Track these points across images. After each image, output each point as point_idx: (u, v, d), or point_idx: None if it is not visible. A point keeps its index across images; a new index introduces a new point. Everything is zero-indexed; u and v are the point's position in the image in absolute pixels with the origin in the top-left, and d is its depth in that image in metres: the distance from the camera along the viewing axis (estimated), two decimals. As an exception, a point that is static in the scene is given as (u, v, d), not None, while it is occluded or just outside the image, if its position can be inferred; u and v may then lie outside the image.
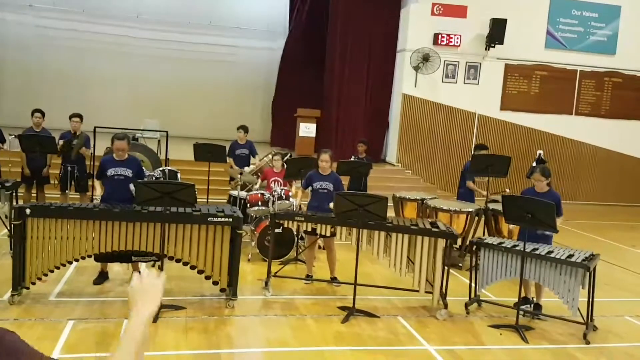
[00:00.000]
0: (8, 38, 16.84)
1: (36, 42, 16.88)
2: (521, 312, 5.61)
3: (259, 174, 8.74)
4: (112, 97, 17.03)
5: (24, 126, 9.06)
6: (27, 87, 16.61)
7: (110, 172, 5.96)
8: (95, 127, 8.83)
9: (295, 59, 16.72)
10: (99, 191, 6.18)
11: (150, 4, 17.37)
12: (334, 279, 6.53)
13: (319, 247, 8.18)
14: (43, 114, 8.46)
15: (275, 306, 5.80)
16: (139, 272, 1.61)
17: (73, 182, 8.36)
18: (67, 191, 8.35)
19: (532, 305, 6.07)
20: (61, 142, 8.23)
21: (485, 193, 8.17)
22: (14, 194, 7.03)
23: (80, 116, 8.52)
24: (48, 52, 16.89)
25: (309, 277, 6.64)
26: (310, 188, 6.58)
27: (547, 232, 5.75)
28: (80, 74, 17.01)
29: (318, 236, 6.28)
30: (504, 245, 5.72)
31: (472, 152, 8.51)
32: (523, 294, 6.04)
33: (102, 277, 6.15)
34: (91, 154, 8.59)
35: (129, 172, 6.00)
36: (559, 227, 5.70)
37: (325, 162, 6.50)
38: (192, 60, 17.80)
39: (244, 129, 9.45)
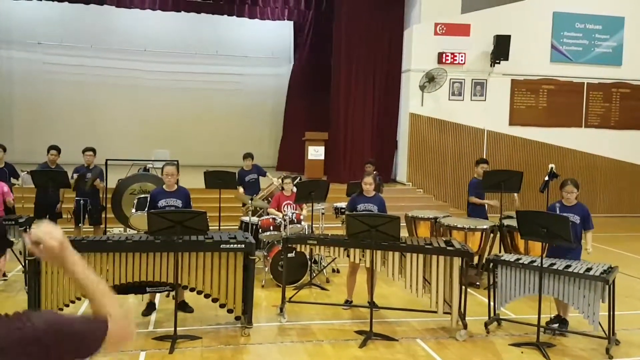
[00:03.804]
0: (17, 75, 17.13)
1: (45, 78, 17.15)
2: (542, 329, 5.51)
3: (269, 199, 8.74)
4: (122, 129, 17.21)
5: (36, 162, 9.15)
6: (37, 124, 16.83)
7: (161, 203, 6.01)
8: (106, 160, 8.91)
9: (302, 83, 16.87)
10: None
11: (157, 37, 17.62)
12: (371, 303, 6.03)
13: (334, 271, 8.14)
14: (59, 151, 8.51)
15: (291, 332, 5.74)
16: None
17: (87, 216, 8.40)
18: (80, 225, 8.39)
19: (555, 320, 5.97)
20: (75, 175, 8.32)
21: (492, 203, 8.10)
22: (28, 229, 7.05)
23: (93, 150, 8.60)
24: (57, 87, 17.14)
25: (348, 302, 6.55)
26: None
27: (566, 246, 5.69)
28: (89, 108, 17.24)
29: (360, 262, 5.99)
30: (521, 261, 5.64)
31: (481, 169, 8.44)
32: (557, 312, 5.95)
33: (151, 307, 6.16)
34: (103, 186, 8.64)
35: (179, 203, 6.05)
36: (592, 244, 5.73)
37: (370, 185, 6.41)
38: (200, 90, 17.99)
39: (250, 156, 9.67)
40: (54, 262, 1.50)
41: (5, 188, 7.49)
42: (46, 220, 1.52)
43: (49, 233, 1.48)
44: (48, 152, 8.49)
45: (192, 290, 5.54)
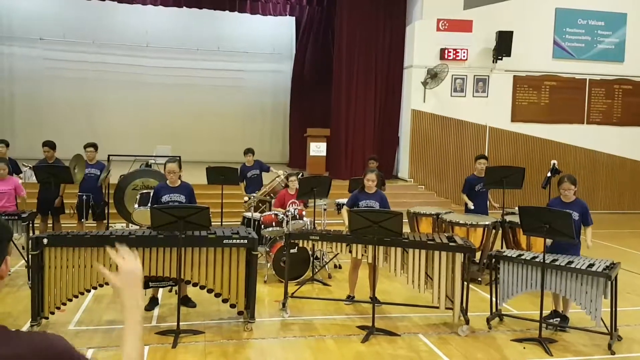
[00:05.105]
0: (18, 71, 17.12)
1: (46, 74, 17.13)
2: (544, 325, 5.52)
3: (272, 195, 8.73)
4: (124, 125, 17.21)
5: (37, 158, 9.15)
6: (38, 120, 16.83)
7: (165, 198, 6.03)
8: (109, 156, 8.92)
9: (303, 79, 16.85)
10: None
11: (159, 33, 17.60)
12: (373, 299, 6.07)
13: (335, 267, 8.15)
14: (51, 146, 8.50)
15: (293, 327, 5.76)
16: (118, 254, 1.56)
17: (90, 211, 8.40)
18: (83, 220, 8.40)
19: (552, 315, 5.97)
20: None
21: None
22: (31, 225, 7.07)
23: (94, 145, 8.60)
24: (58, 83, 17.13)
25: (350, 298, 6.57)
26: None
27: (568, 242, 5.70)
28: (91, 104, 17.23)
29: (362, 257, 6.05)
30: (523, 257, 5.65)
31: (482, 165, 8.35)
32: (553, 307, 5.96)
33: (154, 302, 6.19)
34: (105, 182, 8.65)
35: (182, 198, 6.07)
36: (593, 240, 5.73)
37: (372, 182, 6.41)
38: (202, 86, 17.98)
39: (250, 151, 9.64)
40: (125, 291, 1.53)
41: (19, 182, 7.51)
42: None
43: (134, 260, 1.53)
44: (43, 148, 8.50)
45: (194, 285, 5.55)
